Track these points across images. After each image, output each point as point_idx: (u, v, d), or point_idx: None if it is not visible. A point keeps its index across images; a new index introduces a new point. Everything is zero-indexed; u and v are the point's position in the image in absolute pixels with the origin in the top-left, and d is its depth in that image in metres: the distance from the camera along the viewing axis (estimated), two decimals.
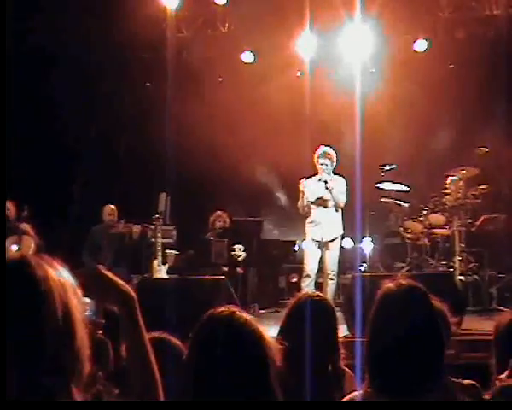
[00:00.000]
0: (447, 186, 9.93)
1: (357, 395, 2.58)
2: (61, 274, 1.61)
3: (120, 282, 1.92)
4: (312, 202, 8.60)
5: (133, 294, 1.92)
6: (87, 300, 1.84)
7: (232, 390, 2.00)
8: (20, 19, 10.01)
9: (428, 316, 2.51)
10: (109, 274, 1.93)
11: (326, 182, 8.46)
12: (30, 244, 8.95)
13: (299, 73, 12.15)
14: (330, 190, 8.49)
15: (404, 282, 2.59)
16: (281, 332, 3.41)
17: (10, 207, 9.35)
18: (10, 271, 1.58)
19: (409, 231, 10.32)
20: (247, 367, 2.03)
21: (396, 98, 11.21)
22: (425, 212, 10.08)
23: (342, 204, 8.60)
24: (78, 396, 1.54)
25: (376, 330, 2.52)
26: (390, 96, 11.28)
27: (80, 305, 1.63)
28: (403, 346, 2.42)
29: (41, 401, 1.48)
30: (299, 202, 8.66)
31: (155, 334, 2.72)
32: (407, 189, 10.65)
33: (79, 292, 1.64)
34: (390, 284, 2.59)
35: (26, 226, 9.22)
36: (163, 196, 10.09)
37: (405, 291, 2.55)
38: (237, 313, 2.13)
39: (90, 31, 10.82)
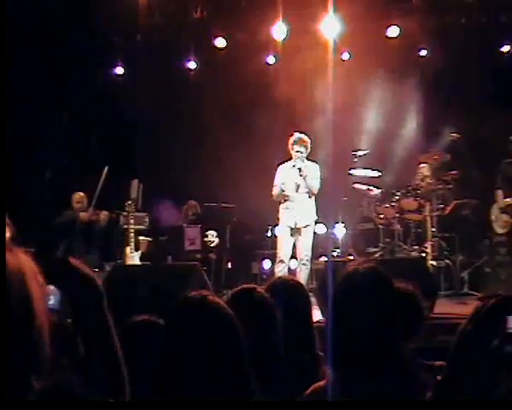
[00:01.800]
0: (419, 172, 10.01)
1: (320, 385, 2.55)
2: (19, 259, 1.55)
3: (86, 270, 1.89)
4: (286, 189, 8.59)
5: (99, 283, 1.89)
6: (52, 288, 1.80)
7: (205, 374, 2.00)
8: None
9: (387, 299, 2.45)
10: (75, 262, 1.89)
11: (300, 169, 8.45)
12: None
13: (272, 59, 12.11)
14: (304, 177, 8.49)
15: (364, 265, 2.55)
16: None
17: None
18: None
19: (381, 216, 10.37)
20: (221, 351, 2.03)
21: (368, 84, 11.23)
22: (397, 197, 10.13)
23: (316, 190, 8.61)
24: (36, 384, 1.50)
25: (335, 313, 2.48)
26: (362, 82, 11.30)
27: (41, 291, 1.57)
28: (360, 328, 2.38)
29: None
30: (275, 190, 8.65)
31: (144, 317, 2.72)
32: (379, 174, 10.70)
33: (40, 278, 1.59)
34: (350, 267, 2.55)
35: None
36: (135, 182, 10.03)
37: (364, 273, 2.49)
38: (209, 297, 2.14)
39: (61, 15, 10.68)
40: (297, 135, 8.61)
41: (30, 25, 10.47)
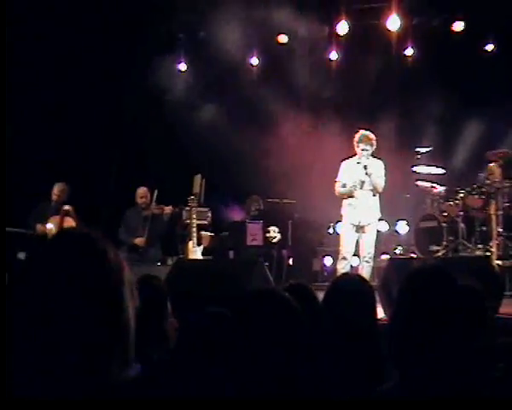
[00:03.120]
0: (489, 170, 9.84)
1: (386, 384, 2.54)
2: (121, 262, 1.56)
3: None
4: (352, 186, 8.48)
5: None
6: None
7: (275, 366, 2.01)
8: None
9: (452, 298, 2.41)
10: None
11: (366, 167, 8.32)
12: (71, 226, 9.05)
13: (334, 55, 12.04)
14: (369, 175, 8.36)
15: (429, 263, 2.54)
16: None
17: (58, 189, 9.57)
18: (71, 241, 1.53)
19: (445, 214, 10.23)
20: (290, 341, 2.05)
21: (433, 79, 11.07)
22: (462, 195, 9.98)
23: (380, 189, 8.46)
24: (118, 377, 1.49)
25: (400, 311, 2.46)
26: (427, 77, 11.15)
27: (130, 286, 1.55)
28: (425, 327, 2.35)
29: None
30: (337, 186, 8.56)
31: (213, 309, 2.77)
32: (443, 171, 10.56)
33: (130, 275, 1.58)
34: (416, 265, 2.54)
35: (68, 208, 9.36)
36: (198, 177, 10.13)
37: (430, 272, 2.49)
38: (277, 290, 2.16)
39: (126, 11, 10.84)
40: (362, 132, 8.45)
41: (93, 21, 10.65)
